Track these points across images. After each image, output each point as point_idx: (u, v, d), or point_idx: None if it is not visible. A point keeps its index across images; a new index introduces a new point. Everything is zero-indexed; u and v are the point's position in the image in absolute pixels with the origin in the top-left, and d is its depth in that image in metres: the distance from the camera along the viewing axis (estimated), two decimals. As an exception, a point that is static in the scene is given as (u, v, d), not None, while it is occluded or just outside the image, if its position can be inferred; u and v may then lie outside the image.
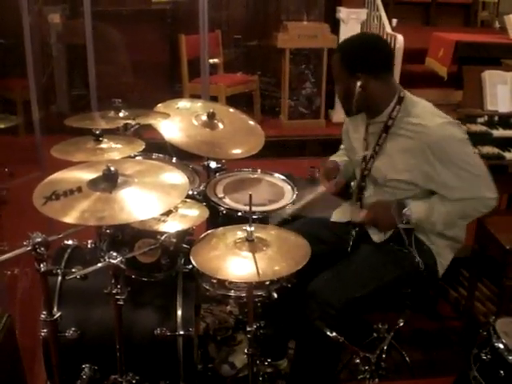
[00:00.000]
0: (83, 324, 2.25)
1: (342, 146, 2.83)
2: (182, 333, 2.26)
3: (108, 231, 2.26)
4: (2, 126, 3.13)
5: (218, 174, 2.85)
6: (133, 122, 2.59)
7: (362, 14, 6.25)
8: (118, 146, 2.40)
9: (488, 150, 3.03)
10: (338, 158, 2.79)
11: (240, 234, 2.07)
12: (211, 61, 5.84)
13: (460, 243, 2.52)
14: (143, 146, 2.44)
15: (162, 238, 2.16)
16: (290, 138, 6.07)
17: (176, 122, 2.77)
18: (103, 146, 2.41)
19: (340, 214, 2.65)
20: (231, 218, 2.45)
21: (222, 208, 2.52)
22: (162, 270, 2.29)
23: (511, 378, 1.84)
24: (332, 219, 2.66)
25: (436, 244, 2.46)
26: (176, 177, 2.08)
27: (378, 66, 2.37)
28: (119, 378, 2.14)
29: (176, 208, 2.23)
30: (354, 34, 2.54)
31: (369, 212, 2.45)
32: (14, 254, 1.84)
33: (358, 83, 2.32)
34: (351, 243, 2.54)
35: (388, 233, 2.44)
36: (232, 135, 2.82)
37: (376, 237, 2.46)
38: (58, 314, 2.02)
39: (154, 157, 2.71)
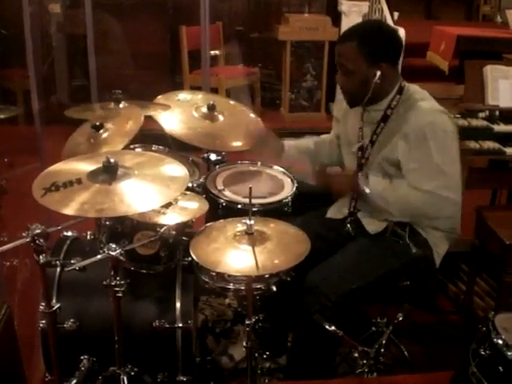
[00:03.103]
0: (82, 315, 2.26)
1: (323, 136, 2.84)
2: (180, 325, 2.26)
3: (107, 223, 2.26)
4: (2, 116, 3.12)
5: (217, 167, 2.84)
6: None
7: (364, 6, 6.22)
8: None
9: (489, 144, 3.02)
10: (297, 142, 2.81)
11: (240, 227, 2.06)
12: (212, 52, 5.82)
13: (455, 234, 2.51)
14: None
15: (162, 230, 2.16)
16: (291, 130, 6.04)
17: (176, 113, 2.75)
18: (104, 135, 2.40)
19: (335, 211, 2.65)
20: (231, 211, 2.44)
21: (222, 200, 2.51)
22: (161, 262, 2.29)
23: (510, 374, 1.84)
24: (327, 215, 2.66)
25: (432, 234, 2.45)
26: (176, 169, 2.07)
27: (398, 54, 2.36)
28: (118, 370, 2.15)
29: (176, 200, 2.23)
30: (360, 22, 2.48)
31: (326, 179, 2.51)
32: (13, 246, 1.84)
33: (378, 73, 2.28)
34: (347, 236, 2.54)
35: (383, 224, 2.43)
36: (232, 127, 2.81)
37: (371, 227, 2.46)
38: (57, 306, 2.02)
39: (153, 148, 2.70)
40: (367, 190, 2.35)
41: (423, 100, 2.34)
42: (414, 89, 2.41)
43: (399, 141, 2.29)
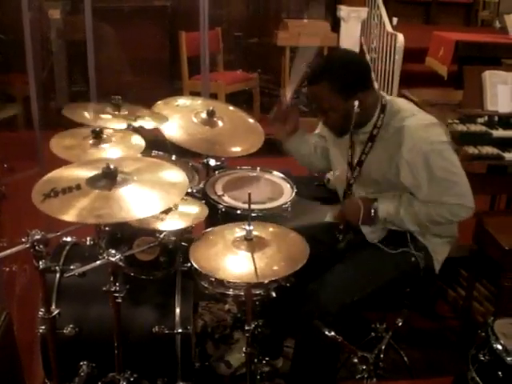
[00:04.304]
0: (81, 321, 2.25)
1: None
2: (180, 331, 2.26)
3: (107, 229, 2.26)
4: (2, 116, 3.12)
5: (217, 172, 2.84)
6: (134, 124, 2.58)
7: (363, 12, 6.25)
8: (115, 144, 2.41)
9: (488, 150, 3.02)
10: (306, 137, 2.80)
11: (239, 233, 2.07)
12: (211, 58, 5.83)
13: (455, 238, 2.52)
14: (142, 143, 2.44)
15: (161, 236, 2.16)
16: (290, 136, 6.05)
17: (175, 119, 2.76)
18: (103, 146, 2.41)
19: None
20: (230, 216, 2.44)
21: (221, 206, 2.51)
22: (160, 267, 2.29)
23: (509, 379, 1.84)
24: (326, 219, 2.66)
25: (432, 242, 2.46)
26: (175, 175, 2.07)
27: (369, 77, 2.36)
28: (117, 376, 2.15)
29: (175, 206, 2.23)
30: (321, 59, 2.43)
31: (340, 211, 2.46)
32: (13, 251, 1.84)
33: (356, 103, 2.26)
34: (346, 243, 2.54)
35: (383, 233, 2.44)
36: (232, 133, 2.82)
37: (370, 237, 2.46)
38: (57, 311, 2.03)
39: (153, 154, 2.71)
40: (380, 215, 2.37)
41: (412, 116, 2.33)
42: (398, 105, 2.39)
43: (399, 165, 2.29)
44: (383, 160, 2.36)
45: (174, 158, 2.74)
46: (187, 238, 2.32)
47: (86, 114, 2.58)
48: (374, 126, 2.36)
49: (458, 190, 2.28)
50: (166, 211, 2.17)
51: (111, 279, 1.96)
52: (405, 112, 2.36)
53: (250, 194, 1.98)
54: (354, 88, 2.27)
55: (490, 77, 3.29)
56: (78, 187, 1.90)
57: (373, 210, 2.37)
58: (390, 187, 2.38)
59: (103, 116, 2.58)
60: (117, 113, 2.65)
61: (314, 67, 2.35)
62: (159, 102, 2.87)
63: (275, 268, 1.93)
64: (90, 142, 2.39)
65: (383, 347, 2.42)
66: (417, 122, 2.30)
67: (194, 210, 2.29)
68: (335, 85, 2.24)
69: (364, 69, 2.36)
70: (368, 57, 6.20)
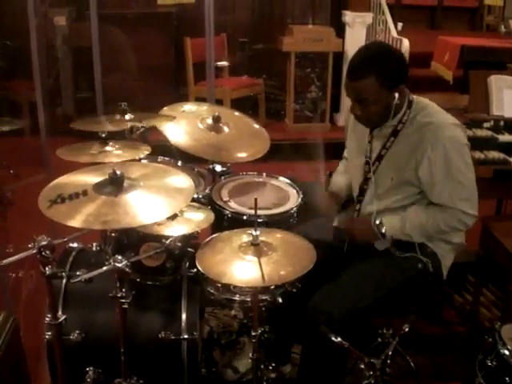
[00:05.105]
0: (88, 327, 2.26)
1: (345, 154, 2.81)
2: (186, 337, 2.26)
3: (113, 235, 2.27)
4: (7, 128, 3.13)
5: (223, 178, 2.84)
6: (139, 125, 2.58)
7: (368, 17, 6.25)
8: (121, 151, 2.41)
9: (494, 154, 3.02)
10: (341, 176, 2.76)
11: (245, 238, 2.07)
12: (219, 63, 5.85)
13: (463, 245, 2.52)
14: (148, 150, 2.44)
15: (167, 241, 2.16)
16: (295, 141, 6.06)
17: (181, 125, 2.76)
18: (109, 149, 2.41)
19: (342, 220, 2.65)
20: (236, 222, 2.44)
21: (227, 212, 2.52)
22: (166, 273, 2.29)
23: (517, 385, 1.84)
24: (334, 224, 2.66)
25: (440, 247, 2.45)
26: (181, 180, 2.07)
27: (408, 70, 2.37)
28: (123, 382, 2.14)
29: (181, 212, 2.23)
30: (367, 50, 2.40)
31: (348, 228, 2.47)
32: (20, 257, 1.85)
33: (397, 95, 2.27)
34: (353, 248, 2.53)
35: (390, 242, 2.43)
36: (237, 139, 2.82)
37: (378, 244, 2.45)
38: (63, 317, 2.02)
39: (159, 160, 2.71)
40: (387, 234, 2.37)
41: (437, 113, 2.35)
42: (423, 102, 2.41)
43: (420, 159, 2.29)
44: (403, 154, 2.35)
45: (179, 163, 2.74)
46: (193, 243, 2.32)
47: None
48: (400, 121, 2.36)
49: (467, 195, 2.29)
50: (172, 217, 2.17)
51: (117, 285, 1.96)
52: (431, 109, 2.37)
53: (256, 200, 1.98)
54: (398, 81, 2.28)
55: (496, 81, 3.29)
56: (85, 193, 1.90)
57: (378, 226, 2.38)
58: (404, 183, 2.37)
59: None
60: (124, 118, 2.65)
61: (358, 62, 2.30)
62: (165, 108, 2.89)
63: (282, 273, 1.93)
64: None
65: (390, 353, 2.41)
66: (443, 120, 2.31)
67: (200, 216, 2.29)
68: (383, 78, 2.24)
69: (404, 60, 2.37)
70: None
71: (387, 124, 2.38)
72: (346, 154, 2.80)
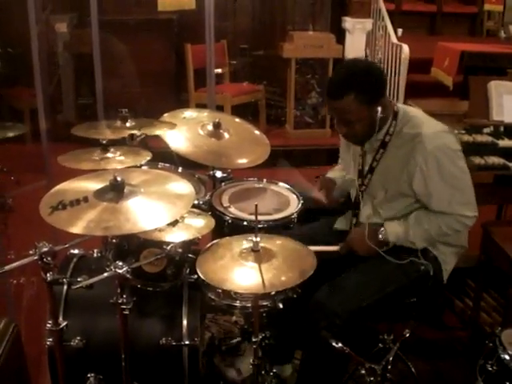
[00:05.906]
0: (89, 333, 2.26)
1: (340, 160, 2.83)
2: (187, 343, 2.26)
3: (114, 241, 2.27)
4: (11, 134, 3.14)
5: (223, 184, 2.85)
6: (138, 133, 2.59)
7: (368, 23, 6.27)
8: (123, 157, 2.42)
9: (494, 160, 3.02)
10: (335, 173, 2.79)
11: (246, 244, 2.07)
12: (216, 71, 5.85)
13: (465, 248, 2.53)
14: (149, 157, 2.45)
15: (168, 247, 2.17)
16: (296, 147, 6.07)
17: (182, 131, 2.77)
18: (110, 155, 2.42)
19: (343, 222, 2.66)
20: (237, 228, 2.45)
21: (228, 217, 2.52)
22: (167, 279, 2.30)
23: (517, 390, 1.84)
24: (335, 226, 2.67)
25: (441, 251, 2.46)
26: (182, 186, 2.08)
27: (386, 83, 2.38)
28: (124, 388, 2.14)
29: (182, 218, 2.23)
30: (345, 68, 2.41)
31: (345, 243, 2.46)
32: (21, 264, 1.85)
33: (379, 109, 2.27)
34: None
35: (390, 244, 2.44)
36: (238, 145, 2.83)
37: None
38: (64, 323, 2.02)
39: (159, 166, 2.72)
40: (391, 243, 2.39)
41: (425, 123, 2.35)
42: (410, 113, 2.41)
43: (412, 172, 2.29)
44: (395, 167, 2.36)
45: (180, 170, 2.75)
46: (194, 249, 2.33)
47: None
48: (387, 133, 2.37)
49: (465, 199, 2.31)
50: (173, 223, 2.18)
51: (118, 291, 1.96)
52: (417, 119, 2.37)
53: (256, 206, 1.98)
54: (377, 94, 2.28)
55: (496, 87, 3.30)
56: (86, 200, 1.91)
57: (380, 236, 2.39)
58: (398, 195, 2.38)
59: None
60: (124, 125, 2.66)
61: (336, 82, 2.32)
62: (166, 115, 2.90)
63: (283, 278, 1.93)
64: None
65: (391, 358, 2.42)
66: (432, 130, 2.31)
67: (200, 222, 2.30)
68: (363, 96, 2.23)
69: (382, 74, 2.37)
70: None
71: (375, 138, 2.38)
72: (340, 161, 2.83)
